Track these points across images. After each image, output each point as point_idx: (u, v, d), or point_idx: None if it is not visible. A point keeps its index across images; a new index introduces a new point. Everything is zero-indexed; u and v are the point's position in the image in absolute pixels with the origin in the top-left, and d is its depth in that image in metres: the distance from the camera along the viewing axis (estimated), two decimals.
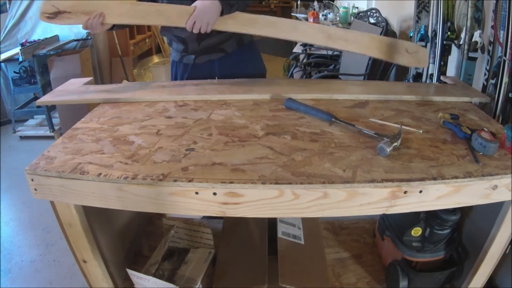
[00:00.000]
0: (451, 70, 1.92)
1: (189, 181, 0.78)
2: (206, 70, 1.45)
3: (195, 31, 1.17)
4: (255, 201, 0.79)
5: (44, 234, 1.96)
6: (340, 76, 3.14)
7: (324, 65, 3.46)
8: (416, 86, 1.60)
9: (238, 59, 1.46)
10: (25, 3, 3.30)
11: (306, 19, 4.14)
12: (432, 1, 1.96)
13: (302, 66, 3.45)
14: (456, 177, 0.79)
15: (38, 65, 2.99)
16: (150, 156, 0.88)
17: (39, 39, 3.26)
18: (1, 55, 3.04)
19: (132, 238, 1.34)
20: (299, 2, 5.69)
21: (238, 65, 1.45)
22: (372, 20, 3.28)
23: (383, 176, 0.79)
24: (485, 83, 1.44)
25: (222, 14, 1.17)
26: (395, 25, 3.12)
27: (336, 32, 1.26)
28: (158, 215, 1.51)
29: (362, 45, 1.25)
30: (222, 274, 1.17)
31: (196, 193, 0.78)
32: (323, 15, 4.42)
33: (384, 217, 1.25)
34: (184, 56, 1.44)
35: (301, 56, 3.70)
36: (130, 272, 1.05)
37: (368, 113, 1.12)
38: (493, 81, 1.35)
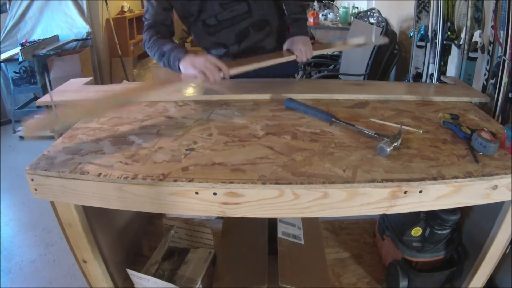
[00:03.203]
0: (451, 70, 1.92)
1: (189, 181, 0.78)
2: None
3: (305, 59, 1.26)
4: (255, 201, 0.79)
5: (44, 234, 1.96)
6: (340, 76, 3.14)
7: (324, 65, 3.46)
8: (416, 86, 1.60)
9: None
10: (25, 3, 3.30)
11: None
12: (432, 1, 1.96)
13: (302, 66, 3.45)
14: (456, 177, 0.79)
15: (38, 65, 2.99)
16: (150, 156, 0.88)
17: (39, 39, 3.27)
18: (1, 55, 3.04)
19: (132, 238, 1.34)
20: None
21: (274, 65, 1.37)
22: (372, 20, 3.28)
23: (383, 176, 0.79)
24: (485, 83, 1.44)
25: None
26: (395, 25, 3.12)
27: None
28: (158, 215, 1.51)
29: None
30: (222, 274, 1.17)
31: (196, 193, 0.78)
32: (323, 15, 4.42)
33: (384, 217, 1.25)
34: (222, 58, 1.37)
35: None
36: (130, 272, 1.05)
37: (368, 113, 1.12)
38: (493, 81, 1.35)
